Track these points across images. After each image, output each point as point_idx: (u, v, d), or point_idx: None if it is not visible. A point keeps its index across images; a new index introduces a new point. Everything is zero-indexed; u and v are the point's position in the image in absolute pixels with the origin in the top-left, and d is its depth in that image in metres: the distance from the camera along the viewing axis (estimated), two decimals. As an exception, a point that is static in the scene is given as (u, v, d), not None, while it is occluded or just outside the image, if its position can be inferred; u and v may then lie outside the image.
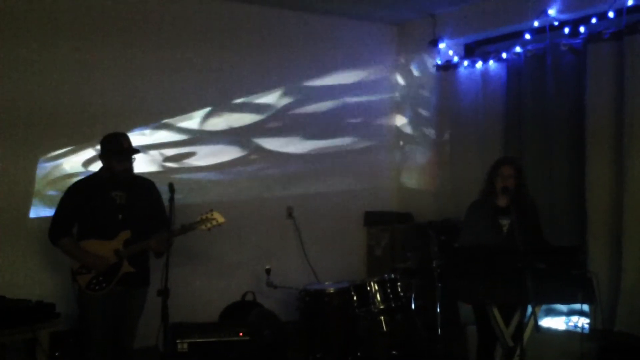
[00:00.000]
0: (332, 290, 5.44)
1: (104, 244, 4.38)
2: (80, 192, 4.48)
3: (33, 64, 5.11)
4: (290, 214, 6.29)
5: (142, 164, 5.25)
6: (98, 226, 4.41)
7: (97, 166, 4.72)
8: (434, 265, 5.07)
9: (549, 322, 5.32)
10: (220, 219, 4.54)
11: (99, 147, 4.57)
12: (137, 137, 5.40)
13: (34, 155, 5.15)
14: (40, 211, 5.11)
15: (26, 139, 5.10)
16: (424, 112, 6.71)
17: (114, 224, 4.42)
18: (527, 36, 5.65)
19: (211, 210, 4.56)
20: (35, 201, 5.13)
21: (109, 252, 4.38)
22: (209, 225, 4.53)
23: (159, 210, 4.55)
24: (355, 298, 5.36)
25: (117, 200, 4.45)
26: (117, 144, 4.43)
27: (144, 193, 4.60)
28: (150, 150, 5.60)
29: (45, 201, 5.13)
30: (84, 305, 4.40)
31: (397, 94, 6.96)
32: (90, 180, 4.59)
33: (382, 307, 5.34)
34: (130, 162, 4.47)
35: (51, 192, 5.14)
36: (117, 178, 4.44)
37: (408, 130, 6.89)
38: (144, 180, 4.71)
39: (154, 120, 5.64)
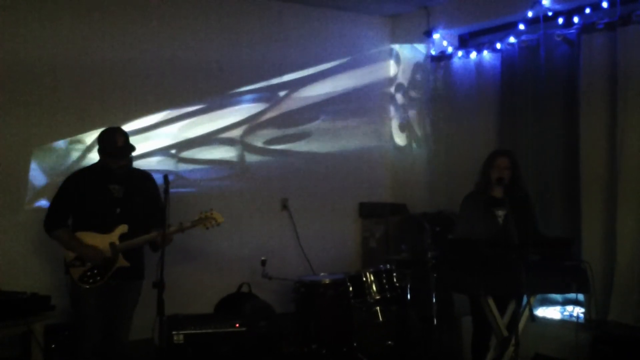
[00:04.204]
0: (327, 281, 5.45)
1: (100, 237, 4.35)
2: (77, 183, 4.43)
3: (28, 50, 5.09)
4: (285, 206, 6.29)
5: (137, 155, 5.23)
6: (95, 219, 4.38)
7: (94, 156, 4.68)
8: (429, 257, 5.08)
9: (543, 312, 5.34)
10: (220, 219, 4.53)
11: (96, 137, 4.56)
12: (133, 128, 5.38)
13: (29, 144, 5.11)
14: (36, 202, 5.09)
15: (22, 128, 5.05)
16: (418, 104, 6.70)
17: (111, 218, 4.38)
18: (521, 27, 5.64)
19: (211, 210, 4.55)
20: (30, 192, 5.10)
21: (104, 245, 4.34)
22: (207, 224, 4.52)
23: (156, 205, 4.50)
24: (350, 289, 5.37)
25: (114, 193, 4.41)
26: (112, 142, 4.38)
27: (141, 187, 4.55)
28: (146, 142, 5.55)
29: (41, 192, 5.10)
30: (77, 298, 4.36)
31: (391, 86, 6.94)
32: (88, 171, 4.54)
33: (377, 297, 5.36)
34: (125, 160, 4.43)
35: (47, 183, 5.11)
36: (114, 171, 4.41)
37: (402, 121, 6.88)
38: (141, 173, 4.68)
39: (149, 112, 5.61)
